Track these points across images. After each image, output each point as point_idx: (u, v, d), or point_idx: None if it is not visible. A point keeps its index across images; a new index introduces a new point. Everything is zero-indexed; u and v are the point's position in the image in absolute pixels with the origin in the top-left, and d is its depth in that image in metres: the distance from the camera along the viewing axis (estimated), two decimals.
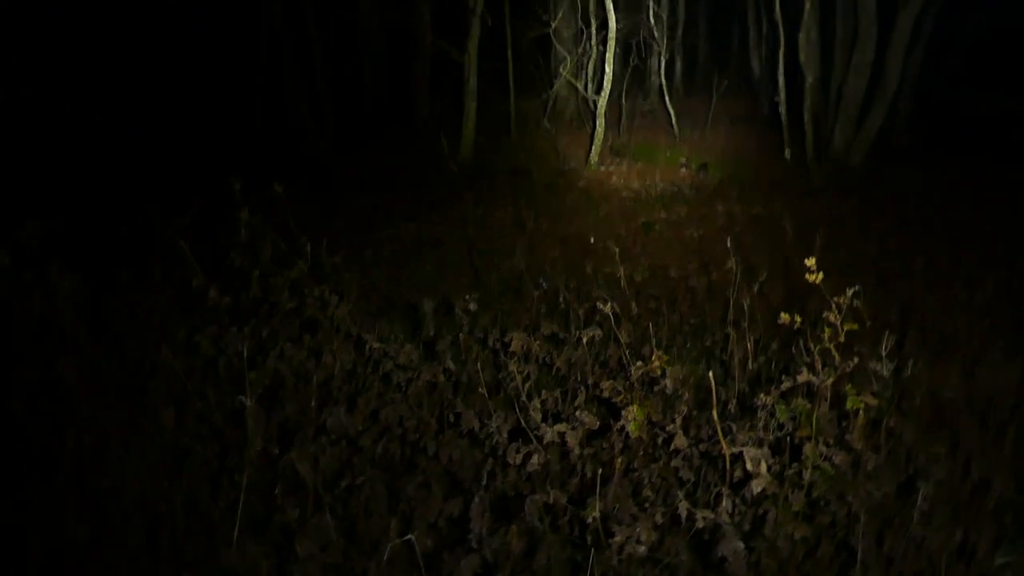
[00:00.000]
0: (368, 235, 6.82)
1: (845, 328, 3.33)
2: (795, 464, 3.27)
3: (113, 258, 5.59)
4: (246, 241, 4.45)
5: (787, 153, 9.78)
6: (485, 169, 9.56)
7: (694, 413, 3.69)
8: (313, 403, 3.91)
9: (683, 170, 10.12)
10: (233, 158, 8.98)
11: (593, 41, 12.04)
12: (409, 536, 3.14)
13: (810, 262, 3.35)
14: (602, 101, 10.57)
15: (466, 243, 6.83)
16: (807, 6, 9.07)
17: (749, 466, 3.23)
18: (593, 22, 12.04)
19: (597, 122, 10.41)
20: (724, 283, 5.08)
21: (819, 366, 3.40)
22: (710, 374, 3.40)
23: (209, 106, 10.33)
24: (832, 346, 3.36)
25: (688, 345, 4.71)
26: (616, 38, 10.48)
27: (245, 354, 3.72)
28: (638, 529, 2.96)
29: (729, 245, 5.09)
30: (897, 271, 5.54)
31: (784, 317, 3.47)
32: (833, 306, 3.29)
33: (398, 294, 5.27)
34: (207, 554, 3.07)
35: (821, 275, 3.33)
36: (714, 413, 3.33)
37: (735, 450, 3.28)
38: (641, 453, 3.44)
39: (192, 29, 10.38)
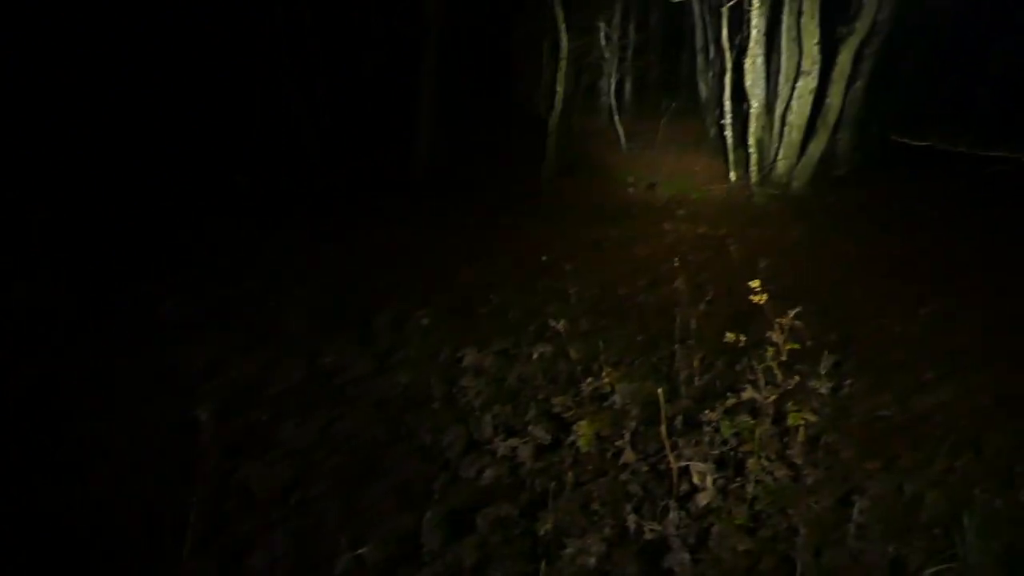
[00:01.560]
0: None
1: (787, 348, 3.47)
2: (739, 479, 3.38)
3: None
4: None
5: (731, 176, 10.05)
6: (448, 182, 9.65)
7: (642, 428, 3.77)
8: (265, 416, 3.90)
9: (631, 189, 10.33)
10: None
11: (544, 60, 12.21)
12: (361, 550, 3.17)
13: (755, 284, 3.49)
14: (553, 119, 10.74)
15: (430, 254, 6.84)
16: (752, 33, 9.37)
17: (696, 480, 3.33)
18: (546, 42, 12.22)
19: (548, 140, 10.57)
20: (672, 301, 5.21)
21: (762, 384, 3.53)
22: (659, 391, 3.50)
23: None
24: (775, 365, 3.50)
25: (636, 362, 4.80)
26: (567, 58, 10.67)
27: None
28: (588, 541, 3.03)
29: (676, 264, 5.20)
30: (838, 295, 5.74)
31: (729, 336, 3.60)
32: (776, 326, 3.43)
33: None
34: (158, 570, 3.04)
35: (765, 296, 3.46)
36: (662, 429, 3.43)
37: (682, 464, 3.39)
38: (591, 467, 3.51)
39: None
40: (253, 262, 6.04)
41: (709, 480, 3.31)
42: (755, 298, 3.47)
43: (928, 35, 10.54)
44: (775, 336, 3.42)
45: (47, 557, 3.06)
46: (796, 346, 3.52)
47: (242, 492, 3.47)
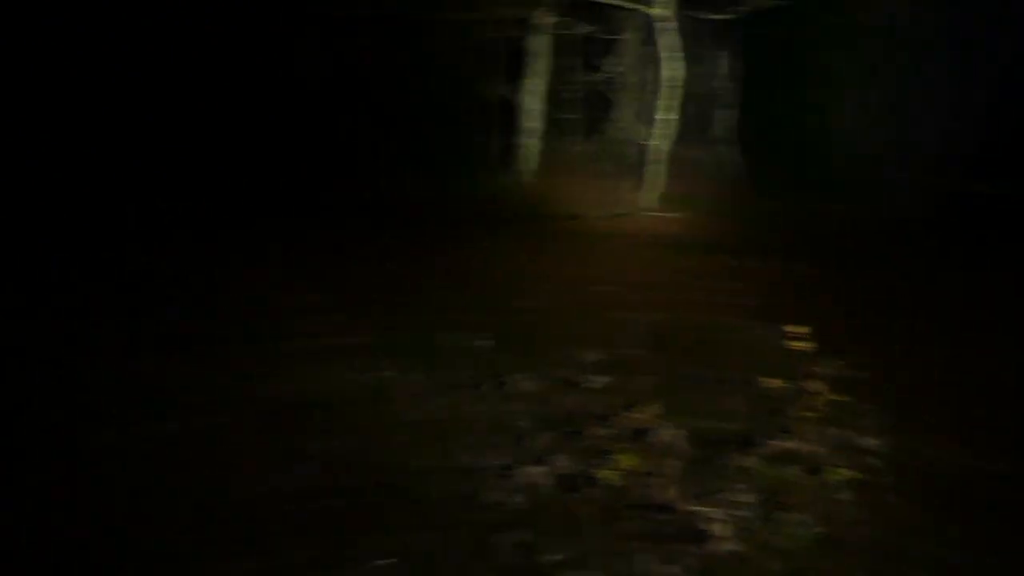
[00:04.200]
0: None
1: (830, 396, 3.34)
2: (770, 529, 3.27)
3: None
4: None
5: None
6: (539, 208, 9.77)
7: (678, 467, 3.71)
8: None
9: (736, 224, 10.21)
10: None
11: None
12: (383, 562, 3.26)
13: (798, 329, 3.39)
14: (657, 147, 10.72)
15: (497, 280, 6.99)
16: None
17: (722, 527, 3.25)
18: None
19: (649, 169, 10.54)
20: (738, 341, 5.10)
21: (804, 432, 3.41)
22: (696, 431, 3.45)
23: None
24: (817, 413, 3.37)
25: (682, 398, 4.74)
26: (679, 85, 10.63)
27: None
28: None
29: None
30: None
31: (772, 381, 3.50)
32: (817, 372, 3.31)
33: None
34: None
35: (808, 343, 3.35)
36: (695, 470, 3.38)
37: (710, 509, 3.31)
38: (617, 502, 3.48)
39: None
40: (323, 273, 6.29)
41: (737, 528, 3.22)
42: (796, 344, 3.36)
43: None
44: (815, 383, 3.30)
45: None
46: (843, 397, 3.39)
47: (274, 497, 3.63)
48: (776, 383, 4.40)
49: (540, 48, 9.89)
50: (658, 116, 10.21)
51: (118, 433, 3.97)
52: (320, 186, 8.77)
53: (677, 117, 10.58)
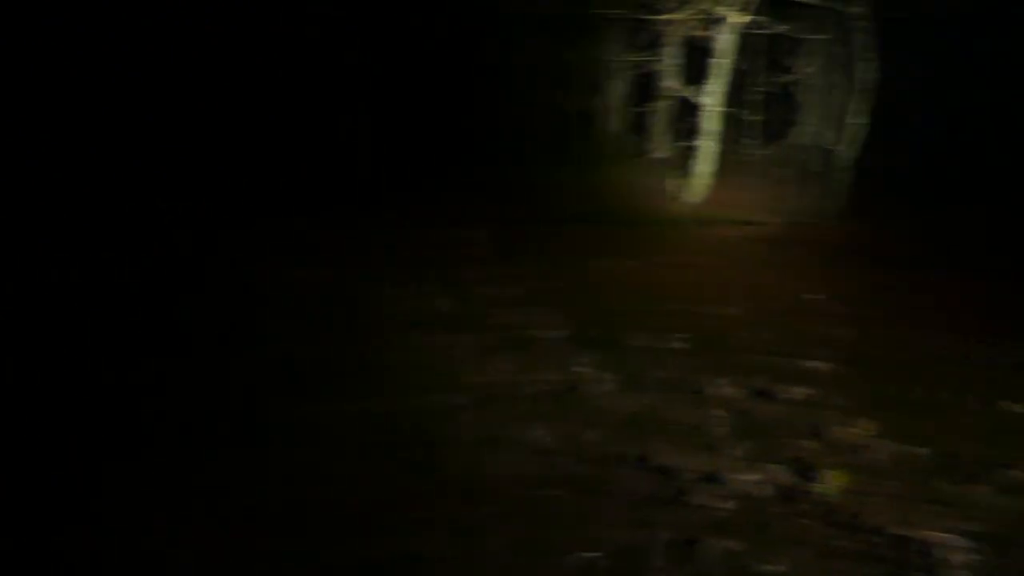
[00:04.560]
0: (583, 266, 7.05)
1: None
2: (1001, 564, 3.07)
3: None
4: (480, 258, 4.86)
5: None
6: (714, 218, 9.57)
7: (898, 489, 3.54)
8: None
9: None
10: None
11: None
12: (590, 554, 3.31)
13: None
14: (848, 150, 10.25)
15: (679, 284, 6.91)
16: None
17: (947, 555, 3.08)
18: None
19: (836, 176, 10.10)
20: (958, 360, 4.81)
21: None
22: (920, 453, 3.28)
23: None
24: None
25: (899, 417, 4.50)
26: (871, 88, 10.13)
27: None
28: None
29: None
30: None
31: (1009, 405, 3.27)
32: None
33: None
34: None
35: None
36: (918, 494, 3.21)
37: (935, 535, 3.15)
38: (832, 520, 3.36)
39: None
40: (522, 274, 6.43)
41: (964, 557, 3.04)
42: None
43: None
44: None
45: None
46: None
47: (488, 479, 3.76)
48: (1003, 406, 4.13)
49: (726, 47, 9.67)
50: (848, 120, 9.77)
51: (335, 409, 4.23)
52: (488, 190, 8.88)
53: (866, 122, 10.09)
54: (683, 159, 10.57)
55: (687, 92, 9.97)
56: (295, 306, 5.39)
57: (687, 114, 10.90)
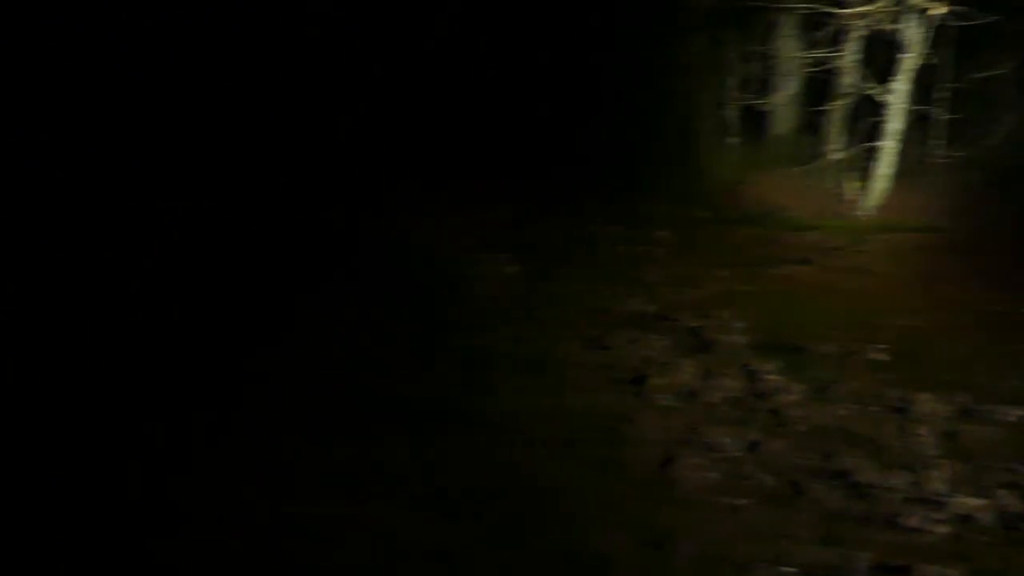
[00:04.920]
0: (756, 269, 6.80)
1: None
2: None
3: None
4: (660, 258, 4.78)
5: None
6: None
7: None
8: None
9: None
10: None
11: None
12: (786, 569, 3.17)
13: None
14: None
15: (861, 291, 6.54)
16: None
17: None
18: None
19: None
20: None
21: None
22: None
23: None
24: None
25: None
26: None
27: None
28: None
29: None
30: None
31: None
32: None
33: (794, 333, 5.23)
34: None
35: None
36: None
37: None
38: None
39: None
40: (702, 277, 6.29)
41: None
42: None
43: None
44: None
45: None
46: None
47: (673, 485, 3.68)
48: None
49: (916, 40, 9.05)
50: None
51: (527, 405, 4.27)
52: (662, 191, 8.67)
53: None
54: (862, 161, 10.01)
55: (871, 89, 9.39)
56: (491, 300, 5.43)
57: (866, 113, 10.32)
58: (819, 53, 10.17)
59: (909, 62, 9.19)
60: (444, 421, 4.07)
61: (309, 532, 3.21)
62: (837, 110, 10.47)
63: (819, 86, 10.96)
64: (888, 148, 9.55)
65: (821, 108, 10.74)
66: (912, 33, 9.05)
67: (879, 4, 8.64)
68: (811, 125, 11.20)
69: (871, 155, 9.85)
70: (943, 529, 3.23)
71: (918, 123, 10.55)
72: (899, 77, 9.26)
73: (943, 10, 8.51)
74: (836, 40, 9.93)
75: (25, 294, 4.94)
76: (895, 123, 9.49)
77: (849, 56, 9.95)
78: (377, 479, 3.60)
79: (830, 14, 9.16)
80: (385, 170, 7.70)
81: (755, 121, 11.55)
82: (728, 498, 3.60)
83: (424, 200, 7.09)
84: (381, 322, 5.09)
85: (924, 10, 8.66)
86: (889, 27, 9.06)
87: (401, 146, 8.13)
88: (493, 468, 3.74)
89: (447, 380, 4.47)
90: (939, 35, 9.64)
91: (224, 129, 7.58)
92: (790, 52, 11.10)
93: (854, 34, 9.60)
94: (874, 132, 9.86)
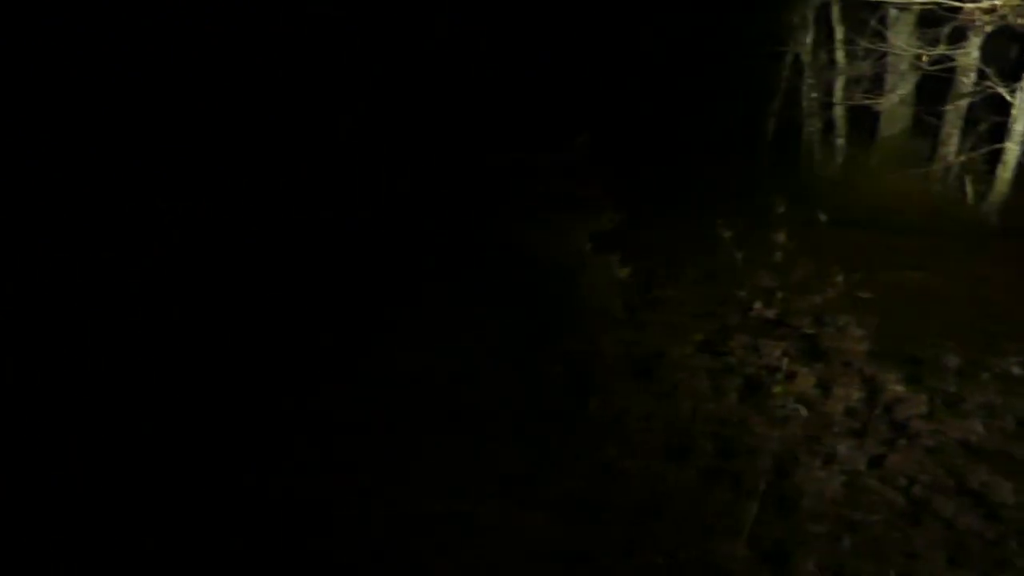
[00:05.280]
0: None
1: None
2: None
3: None
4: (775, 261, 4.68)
5: None
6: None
7: None
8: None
9: None
10: None
11: None
12: None
13: None
14: None
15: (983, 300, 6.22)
16: None
17: None
18: None
19: None
20: None
21: None
22: None
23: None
24: None
25: None
26: None
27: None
28: None
29: None
30: None
31: None
32: None
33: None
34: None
35: None
36: None
37: None
38: None
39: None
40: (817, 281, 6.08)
41: None
42: None
43: None
44: None
45: None
46: None
47: (791, 497, 3.58)
48: None
49: None
50: None
51: (635, 408, 4.24)
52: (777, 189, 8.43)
53: None
54: (981, 163, 9.55)
55: (999, 88, 8.91)
56: (601, 303, 5.40)
57: (986, 113, 9.83)
58: (938, 50, 9.72)
59: None
60: (554, 423, 4.08)
61: (429, 531, 3.26)
62: (956, 110, 10.00)
63: (934, 85, 10.49)
64: (1012, 150, 9.06)
65: (935, 108, 10.28)
66: None
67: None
68: (923, 126, 10.74)
69: (992, 157, 9.37)
70: None
71: None
72: None
73: None
74: (956, 37, 9.49)
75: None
76: (1021, 124, 9.00)
77: (972, 53, 9.49)
78: (489, 479, 3.63)
79: (954, 9, 8.72)
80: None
81: (866, 121, 11.14)
82: (849, 513, 3.49)
83: (526, 203, 7.08)
84: (490, 326, 5.12)
85: None
86: (1018, 23, 8.59)
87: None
88: (603, 473, 3.72)
89: (557, 383, 4.46)
90: None
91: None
92: (905, 49, 10.64)
93: (978, 30, 9.14)
94: (995, 134, 9.38)
